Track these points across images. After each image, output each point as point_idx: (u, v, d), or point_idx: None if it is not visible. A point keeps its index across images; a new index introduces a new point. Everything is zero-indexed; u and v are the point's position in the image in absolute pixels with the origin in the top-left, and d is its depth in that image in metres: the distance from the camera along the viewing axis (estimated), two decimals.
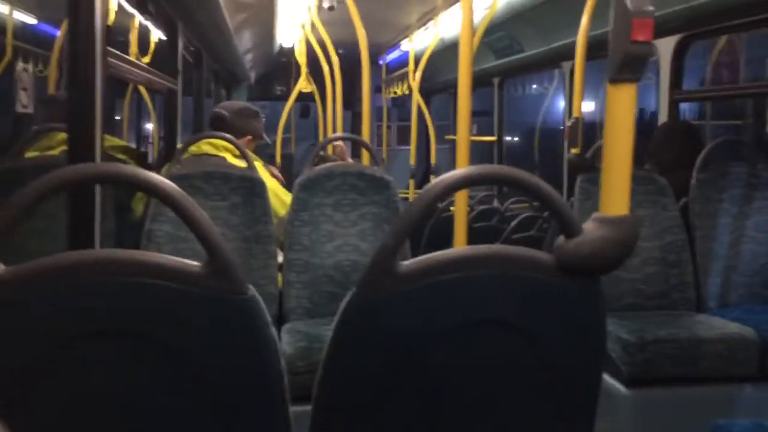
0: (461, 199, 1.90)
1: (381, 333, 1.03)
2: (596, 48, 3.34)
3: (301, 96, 6.41)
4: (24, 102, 2.82)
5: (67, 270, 0.92)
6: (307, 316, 2.45)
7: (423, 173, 6.54)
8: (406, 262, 1.01)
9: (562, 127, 4.72)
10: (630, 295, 2.58)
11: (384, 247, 0.99)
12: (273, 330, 1.03)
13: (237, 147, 2.67)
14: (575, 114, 2.93)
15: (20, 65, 2.93)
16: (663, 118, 3.39)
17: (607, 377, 2.34)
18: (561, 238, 1.04)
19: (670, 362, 2.26)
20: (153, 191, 0.95)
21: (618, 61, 0.98)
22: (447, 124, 7.46)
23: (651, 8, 0.94)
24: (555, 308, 1.05)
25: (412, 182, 5.88)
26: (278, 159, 6.32)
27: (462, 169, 1.00)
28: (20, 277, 0.92)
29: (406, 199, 5.27)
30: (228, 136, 2.68)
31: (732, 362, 2.27)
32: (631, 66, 0.97)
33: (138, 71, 2.36)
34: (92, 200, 1.57)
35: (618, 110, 1.03)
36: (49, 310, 0.93)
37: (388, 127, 7.88)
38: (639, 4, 0.94)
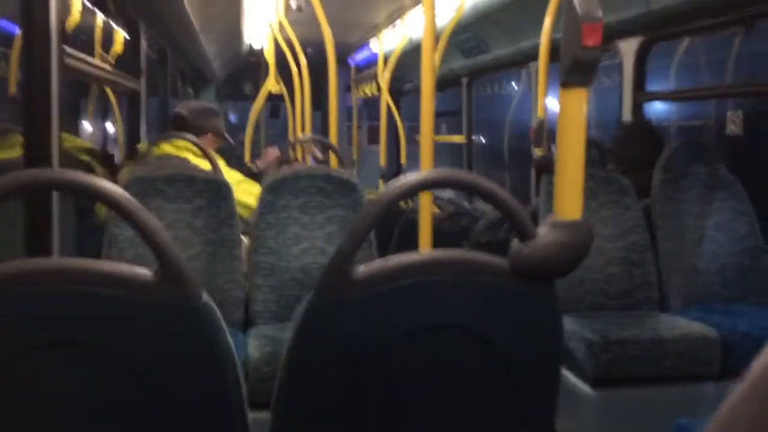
0: (425, 201, 1.90)
1: (339, 336, 1.02)
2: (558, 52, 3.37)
3: (271, 96, 6.36)
4: None
5: (15, 279, 0.90)
6: (274, 320, 2.43)
7: (393, 174, 6.55)
8: (362, 267, 1.01)
9: (530, 127, 4.77)
10: (594, 294, 2.61)
11: (339, 251, 0.99)
12: (228, 337, 1.01)
13: (198, 147, 2.64)
14: (539, 115, 2.95)
15: None
16: (626, 119, 3.43)
17: (571, 377, 2.36)
18: (515, 242, 1.04)
19: (633, 362, 2.29)
20: (101, 197, 0.93)
21: (568, 65, 0.98)
22: (417, 125, 7.46)
23: (600, 14, 0.95)
24: (511, 312, 1.06)
25: (381, 183, 5.88)
26: (247, 159, 6.27)
27: (416, 173, 1.00)
28: None
29: None
30: (189, 136, 2.65)
31: (694, 361, 2.31)
32: (582, 71, 0.98)
33: (97, 71, 2.31)
34: (49, 205, 1.54)
35: (570, 114, 1.03)
36: None
37: (359, 127, 7.87)
38: (589, 10, 0.94)
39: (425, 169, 1.99)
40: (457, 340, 1.06)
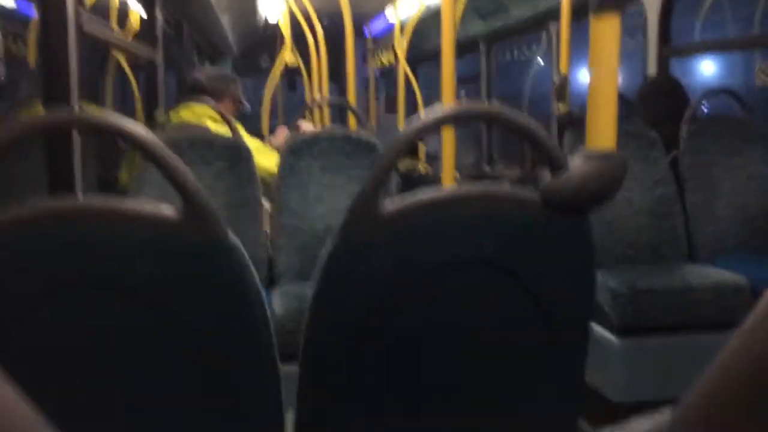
0: (448, 136, 1.85)
1: (366, 276, 1.01)
2: (582, 9, 3.30)
3: (287, 70, 6.32)
4: None
5: (39, 218, 0.90)
6: (297, 279, 2.44)
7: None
8: (388, 204, 0.99)
9: (550, 91, 4.69)
10: (621, 247, 2.57)
11: (365, 187, 0.97)
12: (256, 276, 1.01)
13: (218, 112, 2.63)
14: (562, 72, 2.89)
15: None
16: (651, 73, 3.36)
17: (597, 327, 2.34)
18: (546, 175, 1.01)
19: (661, 311, 2.26)
20: (125, 137, 0.92)
21: None
22: (434, 93, 7.39)
23: None
24: (543, 247, 1.04)
25: None
26: (265, 132, 6.26)
27: (444, 105, 0.98)
28: None
29: (396, 170, 5.23)
30: (208, 99, 2.65)
31: (724, 310, 2.27)
32: None
33: (116, 38, 2.30)
34: (70, 150, 1.53)
35: (602, 42, 1.00)
36: (22, 260, 0.90)
37: (376, 98, 7.81)
38: None
39: (446, 143, 1.96)
40: (487, 276, 1.04)
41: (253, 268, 1.00)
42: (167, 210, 0.93)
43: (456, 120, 0.99)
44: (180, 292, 0.95)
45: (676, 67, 3.41)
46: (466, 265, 1.03)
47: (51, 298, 0.91)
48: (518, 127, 0.97)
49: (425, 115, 0.96)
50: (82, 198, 1.25)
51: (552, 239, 1.03)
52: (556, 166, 0.99)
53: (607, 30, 1.01)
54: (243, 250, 0.99)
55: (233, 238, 0.97)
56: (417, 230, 0.99)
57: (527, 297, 1.05)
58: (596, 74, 1.03)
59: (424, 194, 1.01)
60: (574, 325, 1.11)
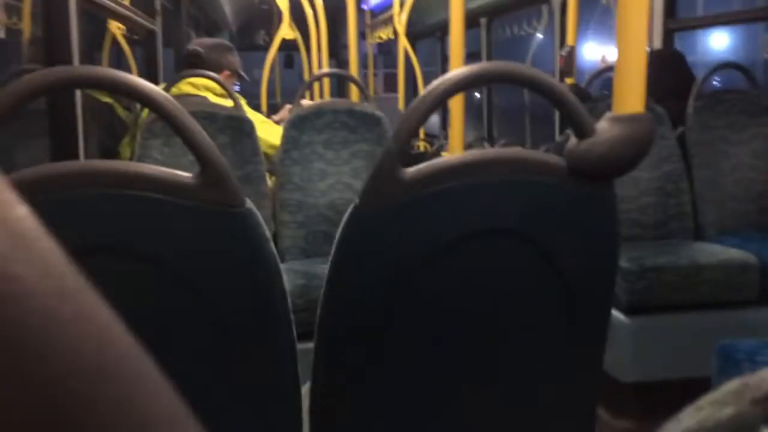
0: (457, 106, 1.81)
1: (385, 244, 0.98)
2: None
3: (285, 46, 6.23)
4: None
5: (50, 182, 0.86)
6: (303, 256, 2.41)
7: None
8: (411, 169, 0.96)
9: (551, 68, 4.65)
10: (628, 225, 2.55)
11: (387, 152, 0.94)
12: (272, 245, 0.97)
13: (219, 83, 2.58)
14: (570, 42, 2.84)
15: None
16: (656, 47, 3.31)
17: None
18: (572, 141, 0.98)
19: (669, 289, 2.24)
20: (137, 95, 0.88)
21: None
22: (434, 71, 7.33)
23: None
24: (568, 214, 1.01)
25: None
26: (264, 108, 6.19)
27: (468, 66, 0.94)
28: None
29: None
30: (209, 73, 2.59)
31: (732, 287, 2.26)
32: None
33: (114, 5, 2.25)
34: (74, 116, 1.49)
35: (630, 3, 0.96)
36: None
37: (375, 74, 7.73)
38: None
39: (455, 112, 1.91)
40: (509, 244, 1.01)
41: (269, 234, 0.97)
42: (182, 175, 0.90)
43: (483, 80, 0.95)
44: (196, 257, 0.92)
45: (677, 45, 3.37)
46: (489, 232, 1.00)
47: None
48: (545, 88, 0.94)
49: (450, 75, 0.92)
50: (96, 160, 1.22)
51: (577, 206, 1.00)
52: (583, 131, 0.96)
53: None
54: (259, 215, 0.95)
55: (250, 205, 0.93)
56: (439, 195, 0.95)
57: (549, 265, 1.03)
58: (624, 37, 0.99)
59: (446, 159, 0.97)
60: (596, 298, 1.08)
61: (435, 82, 0.92)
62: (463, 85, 0.93)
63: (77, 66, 1.19)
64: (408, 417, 1.10)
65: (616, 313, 2.29)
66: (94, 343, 0.17)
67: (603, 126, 0.96)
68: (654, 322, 2.27)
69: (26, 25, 3.58)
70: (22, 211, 0.17)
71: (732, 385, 0.24)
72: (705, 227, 2.61)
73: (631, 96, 0.99)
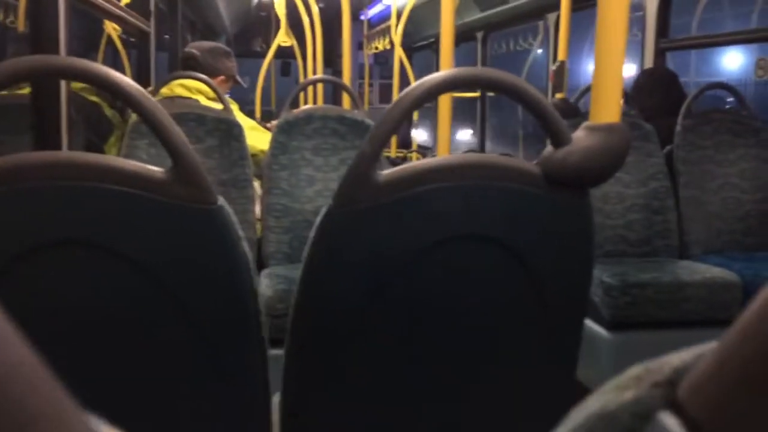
0: (445, 102, 1.81)
1: (358, 247, 0.98)
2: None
3: (282, 54, 6.25)
4: None
5: (23, 171, 0.85)
6: (287, 261, 2.40)
7: (406, 130, 6.46)
8: (384, 172, 0.95)
9: (545, 84, 4.69)
10: (613, 241, 2.55)
11: (361, 154, 0.93)
12: (244, 244, 0.97)
13: (211, 87, 2.58)
14: (561, 58, 2.86)
15: None
16: (647, 66, 3.33)
17: (588, 321, 2.32)
18: (548, 149, 0.98)
19: (652, 306, 2.24)
20: (112, 88, 0.88)
21: None
22: None
23: None
24: (542, 221, 1.01)
25: (394, 139, 5.80)
26: (258, 114, 6.20)
27: (444, 71, 0.94)
28: None
29: (388, 157, 5.19)
30: (202, 76, 2.59)
31: (715, 306, 2.26)
32: None
33: (107, 4, 2.25)
34: (57, 104, 1.48)
35: (610, 13, 0.97)
36: (1, 217, 0.86)
37: (370, 85, 7.75)
38: None
39: (442, 124, 1.92)
40: (483, 249, 1.01)
41: (240, 231, 0.96)
42: (155, 170, 0.89)
43: (463, 83, 0.95)
44: (166, 253, 0.91)
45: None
46: (463, 237, 0.99)
47: (34, 255, 0.86)
48: (522, 95, 0.94)
49: (427, 79, 0.93)
50: (70, 152, 1.21)
51: (552, 214, 1.00)
52: (559, 140, 0.96)
53: (615, 1, 0.98)
54: (231, 212, 0.95)
55: (222, 202, 0.93)
56: (414, 198, 0.95)
57: (523, 272, 1.02)
58: (602, 48, 1.00)
59: (421, 162, 0.97)
60: (570, 304, 1.08)
61: (412, 86, 0.92)
62: (440, 89, 0.93)
63: (54, 57, 1.19)
64: (382, 424, 1.09)
65: (598, 327, 2.29)
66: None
67: (579, 135, 0.97)
68: (636, 338, 2.26)
69: (21, 23, 3.58)
70: None
71: (635, 370, 0.24)
72: (690, 246, 2.61)
73: (607, 106, 0.99)
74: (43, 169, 0.86)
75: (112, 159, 0.89)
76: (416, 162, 0.96)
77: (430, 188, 0.95)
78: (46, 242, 0.88)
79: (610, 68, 0.99)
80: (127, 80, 0.88)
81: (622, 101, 2.87)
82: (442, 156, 0.98)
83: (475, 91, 5.65)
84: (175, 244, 0.92)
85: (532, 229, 1.01)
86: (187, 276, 0.94)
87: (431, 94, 0.93)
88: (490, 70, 0.95)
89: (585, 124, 0.98)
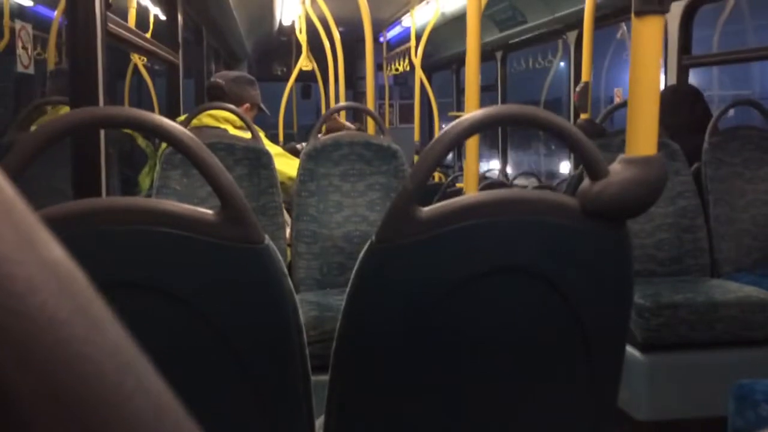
0: (472, 145, 1.83)
1: (400, 282, 1.00)
2: (600, 16, 3.29)
3: (302, 77, 6.34)
4: (24, 62, 2.76)
5: (75, 218, 0.89)
6: (317, 287, 2.42)
7: None
8: (426, 208, 0.98)
9: (565, 100, 4.70)
10: (643, 261, 2.54)
11: (404, 190, 0.96)
12: (289, 281, 0.99)
13: (239, 116, 2.63)
14: (584, 78, 2.87)
15: (18, 22, 2.86)
16: (671, 84, 3.33)
17: None
18: (585, 182, 1.00)
19: (685, 326, 2.23)
20: (163, 134, 0.91)
21: None
22: (449, 102, 7.40)
23: None
24: (580, 255, 1.02)
25: (416, 158, 5.84)
26: (280, 138, 6.27)
27: (484, 109, 0.96)
28: None
29: None
30: (229, 105, 2.64)
31: (749, 325, 2.24)
32: None
33: (138, 40, 2.31)
34: (97, 151, 1.53)
35: (644, 44, 0.98)
36: None
37: (391, 105, 7.82)
38: None
39: (470, 150, 1.94)
40: (523, 283, 1.03)
41: (285, 270, 0.99)
42: (204, 212, 0.92)
43: (498, 122, 0.97)
44: (215, 292, 0.94)
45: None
46: (503, 271, 1.01)
47: None
48: (559, 130, 0.96)
49: (467, 117, 0.95)
50: (120, 197, 1.24)
51: (590, 248, 1.01)
52: (596, 172, 0.97)
53: (649, 30, 0.99)
54: (278, 253, 0.98)
55: (269, 242, 0.95)
56: (455, 234, 0.97)
57: (564, 306, 1.03)
58: (637, 77, 1.01)
59: (461, 199, 0.99)
60: (611, 337, 1.09)
61: (451, 125, 0.95)
62: (479, 128, 0.95)
63: (104, 108, 1.23)
64: None
65: (631, 349, 2.27)
66: (151, 414, 0.18)
67: (616, 168, 0.98)
68: (670, 359, 2.25)
69: (51, 57, 3.68)
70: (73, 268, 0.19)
71: None
72: (721, 264, 2.59)
73: (643, 138, 1.00)
74: (99, 215, 0.89)
75: (164, 203, 0.93)
76: (457, 199, 0.98)
77: (469, 224, 0.97)
78: (99, 286, 0.90)
79: (645, 100, 1.00)
80: (175, 126, 0.91)
81: None
82: (482, 192, 1.00)
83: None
84: (223, 284, 0.95)
85: (570, 262, 1.02)
86: (235, 314, 0.96)
87: (473, 131, 0.95)
88: (527, 108, 0.97)
89: (621, 156, 1.00)
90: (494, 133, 5.84)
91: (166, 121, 0.92)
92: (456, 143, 0.94)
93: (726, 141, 2.69)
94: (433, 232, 0.97)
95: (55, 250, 0.18)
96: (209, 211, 0.92)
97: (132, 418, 0.18)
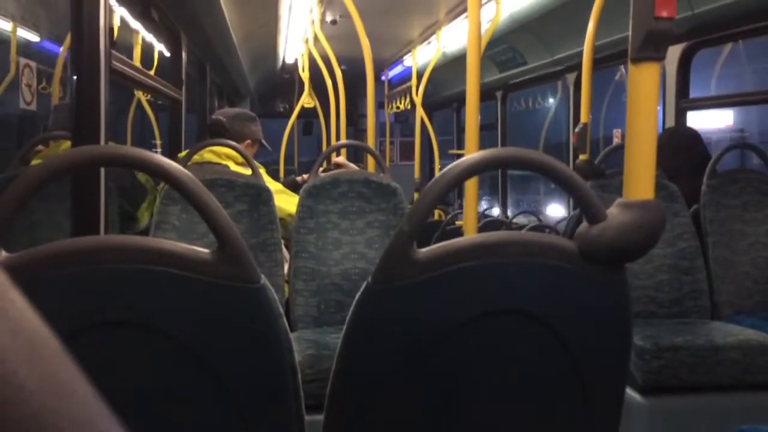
0: (471, 188, 1.84)
1: (397, 323, 0.99)
2: (599, 58, 3.34)
3: (304, 114, 6.40)
4: (27, 99, 2.79)
5: (70, 256, 0.88)
6: (314, 325, 2.40)
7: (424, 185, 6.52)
8: (423, 250, 0.97)
9: (565, 140, 4.74)
10: (643, 302, 2.53)
11: (401, 232, 0.96)
12: (285, 321, 0.99)
13: (239, 152, 2.64)
14: (583, 120, 2.90)
15: (23, 60, 2.90)
16: (668, 126, 3.36)
17: None
18: (583, 225, 1.00)
19: (686, 369, 2.20)
20: (162, 174, 0.91)
21: (640, 38, 0.94)
22: (449, 140, 7.46)
23: None
24: (578, 298, 1.01)
25: (416, 196, 5.85)
26: (281, 174, 6.30)
27: (481, 152, 0.97)
28: (22, 264, 0.88)
29: None
30: (230, 142, 2.65)
31: (750, 369, 2.21)
32: (654, 43, 0.94)
33: (142, 77, 2.34)
34: (97, 188, 1.53)
35: (640, 89, 0.99)
36: (50, 300, 0.89)
37: (391, 142, 7.87)
38: None
39: (468, 192, 1.94)
40: (520, 326, 1.02)
41: (281, 309, 0.98)
42: (201, 251, 0.92)
43: (496, 165, 0.98)
44: (210, 331, 0.93)
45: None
46: (501, 313, 1.00)
47: (82, 336, 0.89)
48: (556, 174, 0.96)
49: (464, 159, 0.95)
50: (115, 235, 1.25)
51: (589, 291, 1.01)
52: (594, 216, 0.97)
53: (645, 77, 1.01)
54: (273, 291, 0.97)
55: (265, 281, 0.95)
56: (452, 275, 0.97)
57: (562, 349, 1.03)
58: (634, 122, 1.02)
59: (459, 240, 0.99)
60: (610, 378, 1.08)
61: (449, 167, 0.95)
62: (476, 171, 0.95)
63: (104, 147, 1.24)
64: None
65: (631, 392, 2.24)
66: None
67: (613, 212, 0.98)
68: (670, 403, 2.22)
69: (55, 91, 3.72)
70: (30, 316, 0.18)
71: None
72: (721, 306, 2.58)
73: (641, 181, 1.01)
74: (94, 253, 0.89)
75: (161, 242, 0.92)
76: (454, 241, 0.98)
77: (467, 266, 0.97)
78: (92, 323, 0.90)
79: (642, 144, 1.01)
80: (174, 166, 0.92)
81: None
82: (480, 234, 1.00)
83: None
84: (218, 323, 0.94)
85: (568, 305, 1.01)
86: (229, 353, 0.95)
87: (471, 174, 0.96)
88: (524, 151, 0.98)
89: (619, 201, 1.00)
90: (494, 172, 5.87)
91: (166, 161, 0.92)
92: (454, 185, 0.95)
93: (725, 184, 2.71)
94: (431, 273, 0.97)
95: (27, 314, 0.18)
96: (205, 251, 0.92)
97: None
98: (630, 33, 0.98)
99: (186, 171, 0.93)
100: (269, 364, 0.97)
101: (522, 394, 1.06)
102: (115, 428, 0.18)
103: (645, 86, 0.99)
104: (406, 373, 1.02)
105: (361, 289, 1.00)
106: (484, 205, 5.98)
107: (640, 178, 1.00)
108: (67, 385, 0.18)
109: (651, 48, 0.95)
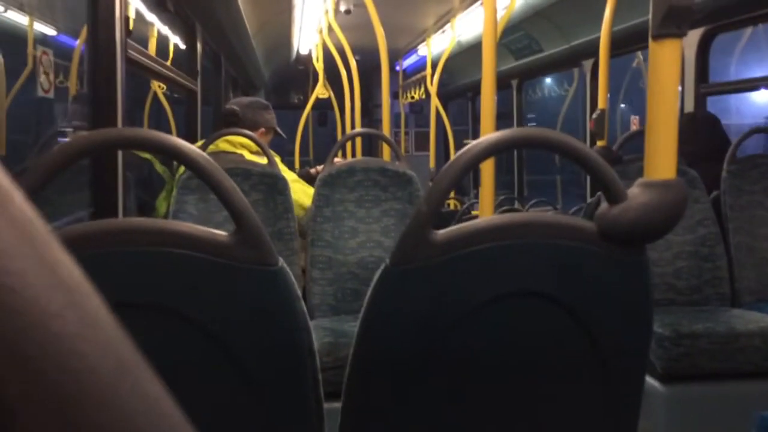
0: (488, 169, 1.82)
1: (415, 305, 0.98)
2: (616, 44, 3.30)
3: (319, 105, 6.40)
4: (45, 87, 2.81)
5: (90, 239, 0.89)
6: (331, 313, 2.41)
7: None
8: (441, 231, 0.97)
9: (581, 128, 4.70)
10: (662, 290, 2.50)
11: (418, 213, 0.95)
12: (303, 304, 0.98)
13: (254, 140, 2.65)
14: (600, 106, 2.87)
15: (40, 49, 2.92)
16: (688, 111, 3.32)
17: None
18: (604, 206, 0.98)
19: (706, 357, 2.18)
20: (178, 156, 0.91)
21: (661, 14, 0.93)
22: (464, 129, 7.42)
23: None
24: (598, 280, 1.00)
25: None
26: (297, 165, 6.31)
27: (500, 131, 0.96)
28: None
29: None
30: (244, 131, 2.66)
31: None
32: (675, 19, 0.92)
33: (158, 67, 2.34)
34: (115, 174, 1.54)
35: (662, 67, 0.98)
36: None
37: (406, 133, 7.86)
38: None
39: (485, 174, 1.93)
40: (539, 307, 1.01)
41: (300, 295, 0.98)
42: (219, 233, 0.92)
43: (514, 145, 0.97)
44: (228, 313, 0.93)
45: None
46: (519, 295, 0.99)
47: None
48: (576, 154, 0.95)
49: (482, 139, 0.94)
50: (134, 218, 1.25)
51: (609, 272, 0.99)
52: (615, 196, 0.96)
53: (667, 54, 0.99)
54: (291, 274, 0.97)
55: (283, 264, 0.95)
56: (470, 257, 0.96)
57: (581, 331, 1.01)
58: (655, 101, 1.00)
59: (477, 222, 0.98)
60: (629, 361, 1.06)
61: (466, 147, 0.94)
62: (494, 150, 0.94)
63: (122, 129, 1.25)
64: None
65: (650, 380, 2.23)
66: (147, 420, 0.17)
67: (634, 192, 0.97)
68: (690, 390, 2.20)
69: (72, 84, 3.75)
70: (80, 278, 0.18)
71: None
72: (741, 293, 2.54)
73: (662, 161, 0.99)
74: (114, 235, 0.89)
75: (178, 224, 0.93)
76: (472, 222, 0.97)
77: (485, 247, 0.96)
78: (112, 305, 0.90)
79: (664, 122, 0.99)
80: (193, 149, 0.92)
81: None
82: (497, 216, 0.99)
83: None
84: (237, 305, 0.94)
85: (588, 286, 1.00)
86: (248, 336, 0.95)
87: (488, 154, 0.95)
88: (542, 131, 0.96)
89: (640, 180, 0.99)
90: (510, 164, 5.83)
91: (183, 143, 0.92)
92: (472, 166, 0.94)
93: (745, 169, 2.67)
94: (448, 255, 0.96)
95: (51, 245, 0.18)
96: (223, 233, 0.92)
97: (126, 422, 0.17)
98: (651, 9, 0.96)
99: (202, 153, 0.93)
100: (287, 345, 0.97)
101: (541, 377, 1.05)
102: (139, 360, 0.18)
103: (666, 64, 0.98)
104: (424, 354, 1.01)
105: (379, 271, 1.00)
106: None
107: (661, 158, 0.99)
108: (91, 314, 0.17)
109: (672, 24, 0.93)
